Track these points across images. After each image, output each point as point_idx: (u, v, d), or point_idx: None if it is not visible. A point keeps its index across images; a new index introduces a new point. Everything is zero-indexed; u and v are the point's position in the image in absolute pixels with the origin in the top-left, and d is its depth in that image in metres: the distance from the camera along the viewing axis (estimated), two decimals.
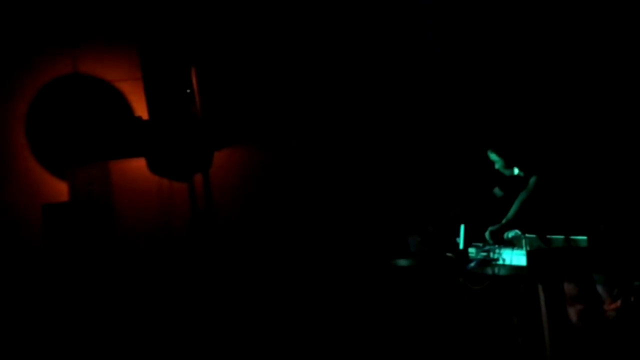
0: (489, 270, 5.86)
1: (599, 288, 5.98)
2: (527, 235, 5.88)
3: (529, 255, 5.62)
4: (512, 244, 5.95)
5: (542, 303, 5.65)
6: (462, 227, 6.13)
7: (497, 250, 5.89)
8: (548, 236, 5.87)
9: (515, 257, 5.74)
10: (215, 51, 7.93)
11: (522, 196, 6.04)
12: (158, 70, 7.05)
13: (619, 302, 5.95)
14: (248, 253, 7.64)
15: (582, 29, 7.42)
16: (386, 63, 8.22)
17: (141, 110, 7.45)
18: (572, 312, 5.88)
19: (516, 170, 6.24)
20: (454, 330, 6.46)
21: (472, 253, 6.06)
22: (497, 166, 6.27)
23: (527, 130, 6.98)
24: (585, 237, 5.76)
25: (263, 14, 8.17)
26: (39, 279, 7.66)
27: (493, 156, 6.25)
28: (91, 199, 7.64)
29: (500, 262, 5.83)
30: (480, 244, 6.04)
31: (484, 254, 5.96)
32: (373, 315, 7.38)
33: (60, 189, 7.95)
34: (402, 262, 6.58)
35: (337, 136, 8.10)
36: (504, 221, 6.03)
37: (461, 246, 6.11)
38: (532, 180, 6.05)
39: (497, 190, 6.50)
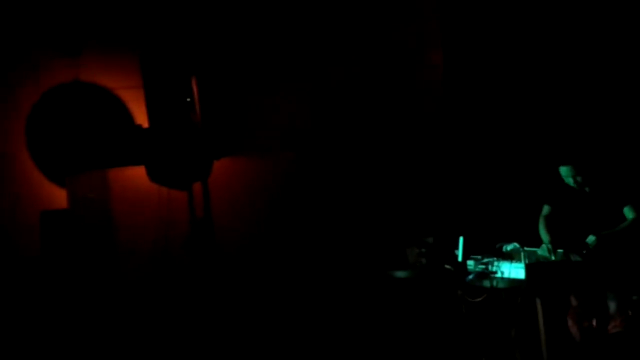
0: (487, 283, 5.85)
1: (611, 303, 5.94)
2: (525, 248, 5.86)
3: (528, 269, 5.61)
4: (510, 257, 5.93)
5: (540, 316, 5.64)
6: (461, 239, 6.11)
7: (495, 263, 5.88)
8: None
9: (514, 270, 5.73)
10: (216, 59, 7.93)
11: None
12: (159, 79, 7.04)
13: (623, 317, 5.91)
14: (246, 263, 7.63)
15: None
16: (380, 76, 8.21)
17: (141, 118, 7.44)
18: (575, 327, 5.85)
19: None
20: (452, 343, 6.44)
21: (470, 265, 6.05)
22: (568, 180, 6.22)
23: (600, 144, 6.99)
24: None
25: (263, 22, 8.16)
26: (37, 286, 7.64)
27: (568, 170, 6.19)
28: (90, 206, 7.64)
29: (499, 275, 5.81)
30: (479, 257, 6.03)
31: (483, 266, 5.94)
32: (371, 326, 7.36)
33: (59, 196, 7.94)
34: (400, 274, 6.57)
35: (337, 145, 8.09)
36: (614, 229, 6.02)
37: (460, 258, 6.10)
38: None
39: (545, 208, 6.46)
